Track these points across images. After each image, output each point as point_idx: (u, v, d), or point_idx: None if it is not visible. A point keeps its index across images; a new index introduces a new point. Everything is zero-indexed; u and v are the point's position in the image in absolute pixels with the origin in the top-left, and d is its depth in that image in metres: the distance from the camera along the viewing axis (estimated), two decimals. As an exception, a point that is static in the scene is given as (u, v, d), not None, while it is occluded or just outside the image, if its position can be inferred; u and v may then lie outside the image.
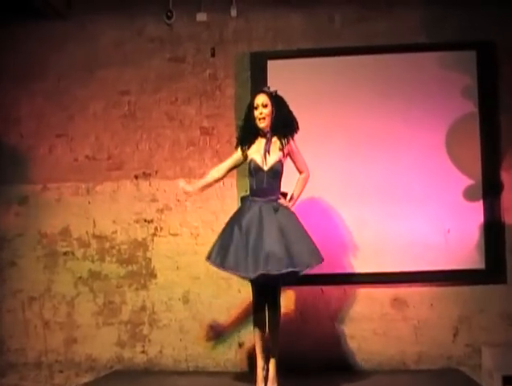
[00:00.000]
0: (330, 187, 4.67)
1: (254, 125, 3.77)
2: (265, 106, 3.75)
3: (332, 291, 4.61)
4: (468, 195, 4.57)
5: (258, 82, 4.59)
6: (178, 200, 4.88)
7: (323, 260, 3.65)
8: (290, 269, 3.46)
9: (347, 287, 4.66)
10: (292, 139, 3.80)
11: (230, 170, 3.89)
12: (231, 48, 4.91)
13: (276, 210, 3.70)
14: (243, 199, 3.90)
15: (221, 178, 3.89)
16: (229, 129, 4.82)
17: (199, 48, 4.95)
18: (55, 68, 5.04)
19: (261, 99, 3.79)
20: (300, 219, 3.79)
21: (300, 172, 3.89)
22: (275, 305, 3.71)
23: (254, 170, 3.78)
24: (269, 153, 3.76)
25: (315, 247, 3.65)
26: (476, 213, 4.55)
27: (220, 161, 4.78)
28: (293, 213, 3.77)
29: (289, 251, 3.53)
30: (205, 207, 4.86)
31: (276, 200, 3.76)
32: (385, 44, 4.78)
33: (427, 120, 4.64)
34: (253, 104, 3.80)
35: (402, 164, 4.65)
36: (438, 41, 4.72)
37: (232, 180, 4.76)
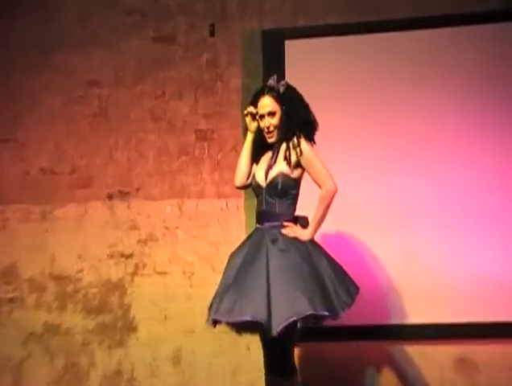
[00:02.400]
0: (366, 209, 4.69)
1: (261, 136, 3.84)
2: (272, 115, 3.76)
3: (372, 348, 4.68)
4: None
5: (273, 69, 4.49)
6: (166, 228, 4.99)
7: (297, 322, 3.54)
8: (253, 318, 3.52)
9: (392, 343, 4.72)
10: (307, 141, 3.77)
11: None
12: (236, 25, 5.03)
13: (274, 241, 3.73)
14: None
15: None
16: (235, 133, 4.89)
17: (193, 24, 5.07)
18: (-2, 50, 5.06)
19: (266, 106, 3.79)
20: (315, 256, 3.75)
21: (319, 187, 3.80)
22: (276, 369, 3.75)
23: (255, 189, 3.88)
24: (272, 166, 3.82)
25: (305, 299, 3.56)
26: None
27: (223, 175, 4.94)
28: (300, 248, 3.72)
29: (267, 298, 3.59)
30: (203, 236, 4.95)
31: (279, 227, 3.76)
32: (441, 14, 4.74)
33: (501, 116, 4.68)
34: (256, 107, 3.82)
35: (466, 176, 4.68)
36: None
37: (238, 201, 4.89)
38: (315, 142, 3.89)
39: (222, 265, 4.47)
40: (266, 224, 3.78)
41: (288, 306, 3.54)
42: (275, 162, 3.80)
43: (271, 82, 3.82)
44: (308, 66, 4.85)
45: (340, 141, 4.76)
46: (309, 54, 4.88)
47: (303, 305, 3.53)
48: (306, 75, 4.79)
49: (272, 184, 3.77)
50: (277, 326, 3.51)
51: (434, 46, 4.79)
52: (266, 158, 3.86)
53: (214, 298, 3.77)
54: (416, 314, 4.68)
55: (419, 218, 4.71)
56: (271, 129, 3.78)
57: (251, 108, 3.82)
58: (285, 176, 3.75)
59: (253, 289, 3.60)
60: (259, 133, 3.83)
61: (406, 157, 4.76)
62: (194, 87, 5.09)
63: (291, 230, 3.75)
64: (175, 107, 5.09)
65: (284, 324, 3.51)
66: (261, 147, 3.87)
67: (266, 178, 3.81)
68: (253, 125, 3.82)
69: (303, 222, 3.84)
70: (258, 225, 3.85)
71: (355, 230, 4.74)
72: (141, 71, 5.14)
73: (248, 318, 3.54)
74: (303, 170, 3.79)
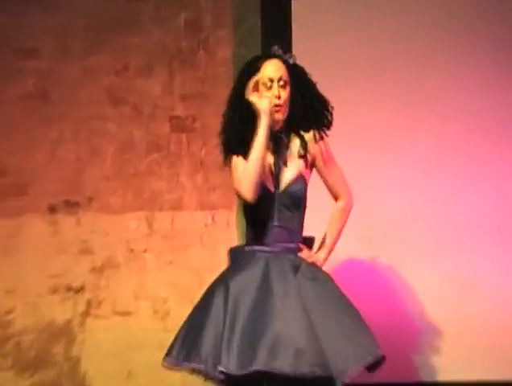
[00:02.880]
0: (402, 226, 4.33)
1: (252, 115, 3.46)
2: (283, 84, 3.45)
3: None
4: None
5: (275, 34, 4.34)
6: (131, 251, 4.64)
7: (383, 359, 3.33)
8: (316, 371, 3.22)
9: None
10: (325, 136, 3.56)
11: None
12: (225, -27, 4.70)
13: (296, 269, 3.42)
14: (234, 253, 3.60)
15: None
16: (223, 121, 4.36)
17: (167, -28, 4.74)
18: None
19: (276, 70, 3.46)
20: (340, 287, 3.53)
21: (336, 197, 3.59)
22: None
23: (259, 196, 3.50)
24: (285, 163, 3.50)
25: (369, 337, 3.39)
26: None
27: (208, 178, 4.58)
28: (327, 275, 3.52)
29: (318, 342, 3.30)
30: (180, 261, 4.59)
31: (296, 250, 3.49)
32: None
33: None
34: (251, 75, 3.47)
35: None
36: None
37: (228, 214, 4.53)
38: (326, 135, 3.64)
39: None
40: (280, 245, 3.40)
41: (357, 346, 3.28)
42: (285, 159, 3.47)
43: (276, 50, 3.51)
44: (323, 29, 4.45)
45: (364, 131, 4.39)
46: (324, 13, 4.48)
47: (372, 346, 3.28)
48: (320, 40, 4.45)
49: (291, 190, 3.40)
50: (346, 370, 3.22)
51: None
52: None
53: (206, 344, 3.28)
54: (476, 369, 4.26)
55: (479, 237, 4.30)
56: (281, 102, 3.38)
57: (259, 75, 3.39)
58: (304, 180, 3.43)
59: (298, 329, 3.24)
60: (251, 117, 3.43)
61: (459, 155, 4.37)
62: (168, 58, 4.69)
63: (307, 253, 3.45)
64: (143, 86, 4.69)
65: (360, 364, 3.23)
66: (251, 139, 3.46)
67: (277, 181, 3.44)
68: (265, 103, 3.34)
69: (309, 243, 3.55)
70: (258, 247, 3.41)
71: (386, 254, 4.34)
72: (94, 37, 4.72)
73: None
74: (311, 169, 3.54)
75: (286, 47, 4.22)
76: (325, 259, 3.53)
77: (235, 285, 3.37)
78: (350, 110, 4.24)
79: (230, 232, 4.57)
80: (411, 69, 4.45)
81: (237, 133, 3.43)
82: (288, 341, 3.24)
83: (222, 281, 3.42)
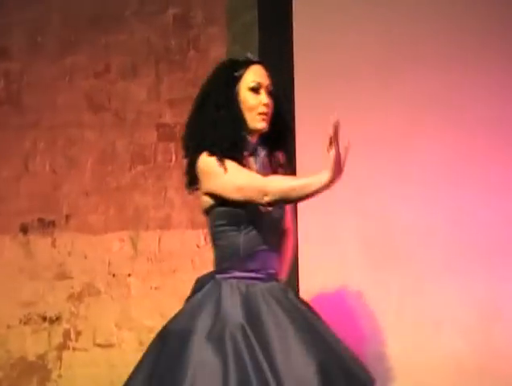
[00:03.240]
0: (417, 244, 4.11)
1: (242, 122, 3.34)
2: (270, 92, 3.37)
3: None
4: None
5: (274, 32, 4.31)
6: (113, 275, 4.57)
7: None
8: None
9: None
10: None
11: None
12: (219, -38, 4.57)
13: (286, 295, 3.33)
14: (203, 282, 3.37)
15: None
16: (216, 129, 4.16)
17: (153, -38, 4.71)
18: None
19: (265, 76, 3.40)
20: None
21: (286, 232, 3.54)
22: None
23: (245, 217, 3.37)
24: None
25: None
26: None
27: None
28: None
29: (342, 366, 3.16)
30: (169, 287, 4.47)
31: (277, 276, 3.43)
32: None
33: None
34: (236, 78, 3.34)
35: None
36: None
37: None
38: None
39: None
40: (267, 272, 3.29)
41: (363, 368, 3.30)
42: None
43: (253, 57, 3.49)
44: (329, 23, 4.29)
45: (368, 136, 4.11)
46: (329, 7, 4.31)
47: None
48: (324, 37, 4.30)
49: (276, 213, 3.31)
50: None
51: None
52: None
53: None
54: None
55: (504, 255, 4.00)
56: (268, 110, 3.31)
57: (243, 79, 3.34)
58: None
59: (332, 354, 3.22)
60: (236, 125, 3.35)
61: (478, 163, 4.05)
62: (154, 59, 4.59)
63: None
64: (126, 89, 4.60)
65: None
66: (236, 151, 3.35)
67: None
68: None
69: None
70: (241, 274, 3.25)
71: (395, 276, 4.06)
72: (72, 35, 4.66)
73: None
74: None
75: (287, 44, 4.29)
76: None
77: (251, 326, 3.14)
78: (357, 115, 4.05)
79: (221, 253, 4.30)
80: (421, 69, 4.21)
81: (227, 135, 3.24)
82: (337, 365, 3.12)
83: (225, 321, 3.10)
